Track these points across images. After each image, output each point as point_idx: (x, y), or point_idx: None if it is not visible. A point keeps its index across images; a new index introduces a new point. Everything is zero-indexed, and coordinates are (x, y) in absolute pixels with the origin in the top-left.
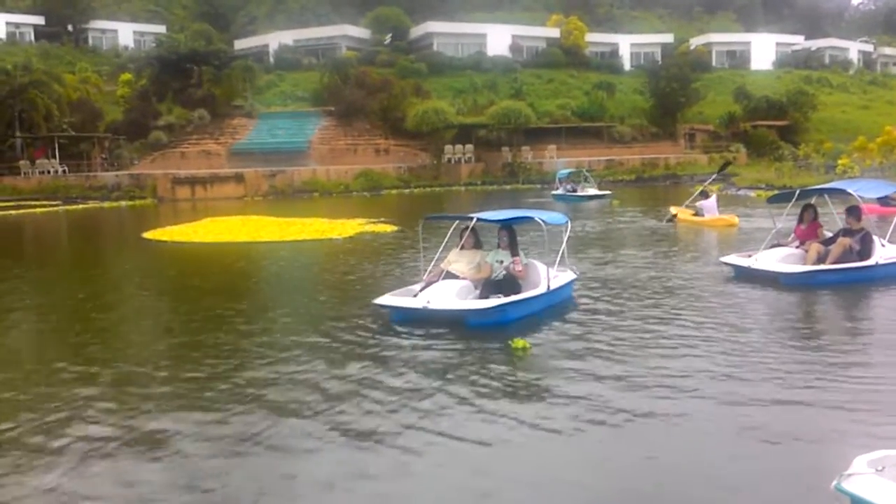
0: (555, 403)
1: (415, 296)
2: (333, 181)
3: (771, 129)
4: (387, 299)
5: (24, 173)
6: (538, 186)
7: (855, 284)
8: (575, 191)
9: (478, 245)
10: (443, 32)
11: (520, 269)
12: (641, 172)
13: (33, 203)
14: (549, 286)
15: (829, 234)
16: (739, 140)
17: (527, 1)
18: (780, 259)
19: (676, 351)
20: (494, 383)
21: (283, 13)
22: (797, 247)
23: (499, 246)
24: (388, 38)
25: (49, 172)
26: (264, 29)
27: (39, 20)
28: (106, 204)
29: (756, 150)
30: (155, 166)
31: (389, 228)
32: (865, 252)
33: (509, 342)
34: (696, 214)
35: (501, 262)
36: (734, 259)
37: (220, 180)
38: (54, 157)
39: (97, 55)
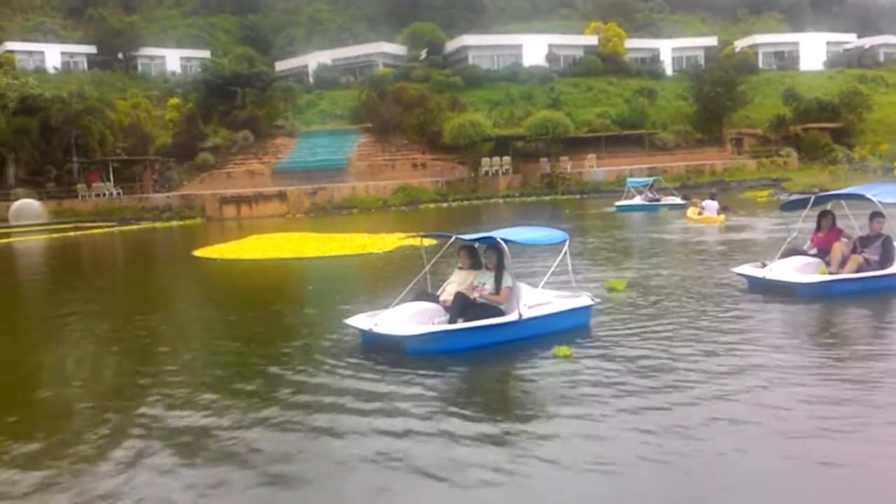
0: (593, 416)
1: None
2: (372, 197)
3: (823, 131)
4: (355, 319)
5: (82, 196)
6: (577, 196)
7: (877, 293)
8: (658, 200)
9: (476, 266)
10: (478, 45)
11: (483, 293)
12: (686, 180)
13: (90, 224)
14: (520, 315)
15: (849, 242)
16: (790, 144)
17: (564, 10)
18: (795, 269)
19: (707, 367)
20: (532, 393)
21: (321, 33)
22: (814, 254)
23: (486, 267)
24: (423, 54)
25: (104, 195)
26: (303, 50)
27: (91, 49)
28: (158, 224)
29: (808, 154)
30: (203, 187)
31: (428, 242)
32: (886, 259)
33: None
34: (700, 213)
35: (484, 284)
36: (747, 269)
37: (264, 198)
38: (109, 180)
39: (146, 81)
